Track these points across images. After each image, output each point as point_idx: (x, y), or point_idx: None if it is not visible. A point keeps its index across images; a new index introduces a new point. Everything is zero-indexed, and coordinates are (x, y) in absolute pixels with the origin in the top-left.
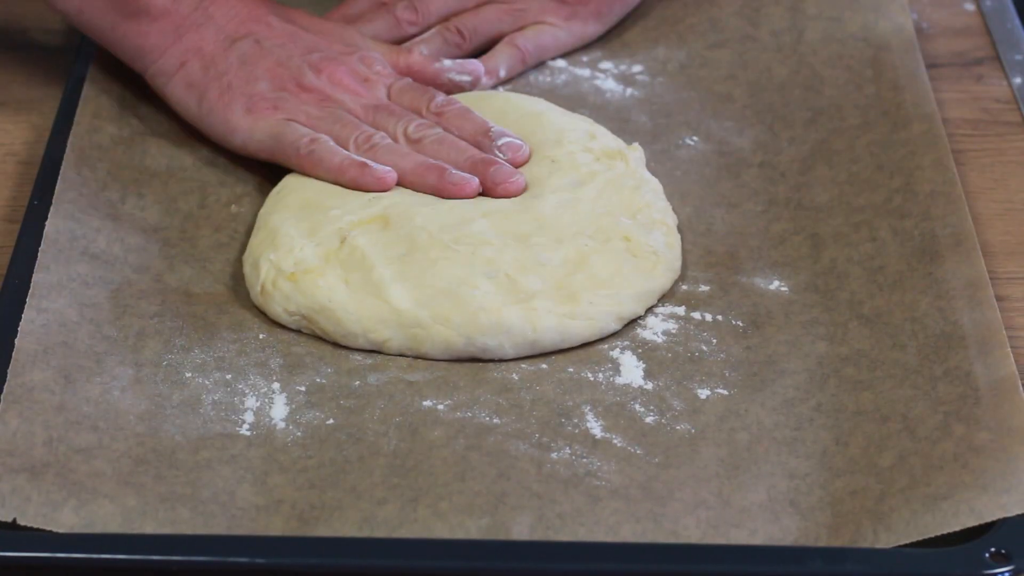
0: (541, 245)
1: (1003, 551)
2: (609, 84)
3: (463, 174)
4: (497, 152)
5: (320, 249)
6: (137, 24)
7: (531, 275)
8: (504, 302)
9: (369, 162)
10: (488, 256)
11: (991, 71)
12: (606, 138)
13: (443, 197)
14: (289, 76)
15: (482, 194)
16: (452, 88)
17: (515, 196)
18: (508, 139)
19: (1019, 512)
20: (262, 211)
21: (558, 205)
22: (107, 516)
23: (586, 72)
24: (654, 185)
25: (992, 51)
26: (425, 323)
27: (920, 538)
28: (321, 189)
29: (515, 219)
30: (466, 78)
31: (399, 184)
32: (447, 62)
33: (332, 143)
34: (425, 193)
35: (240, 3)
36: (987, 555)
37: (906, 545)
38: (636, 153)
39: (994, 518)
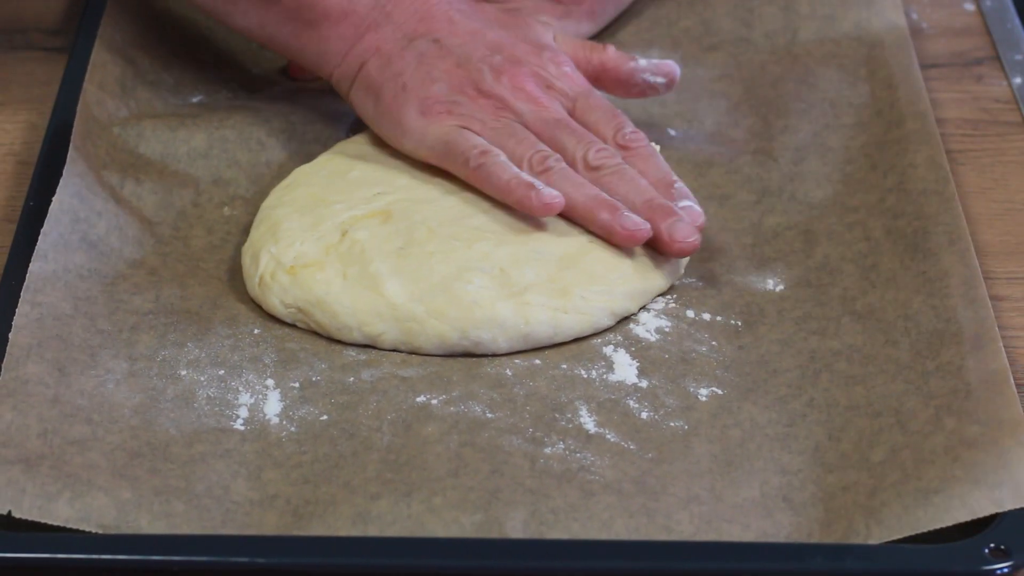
0: (540, 239)
1: (1003, 547)
2: None
3: (636, 219)
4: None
5: (321, 243)
6: (317, 30)
7: (525, 269)
8: (498, 296)
9: (537, 183)
10: (484, 250)
11: (991, 71)
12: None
13: (612, 241)
14: (468, 79)
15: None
16: (646, 90)
17: (680, 254)
18: (690, 203)
19: (1015, 506)
20: (265, 203)
21: None
22: (102, 508)
23: None
24: None
25: (992, 51)
26: (419, 317)
27: (912, 533)
28: (327, 184)
29: (517, 213)
30: (661, 80)
31: (567, 216)
32: (642, 61)
33: (503, 158)
34: (594, 231)
35: (420, 0)
36: (987, 551)
37: (902, 540)
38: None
39: (986, 513)
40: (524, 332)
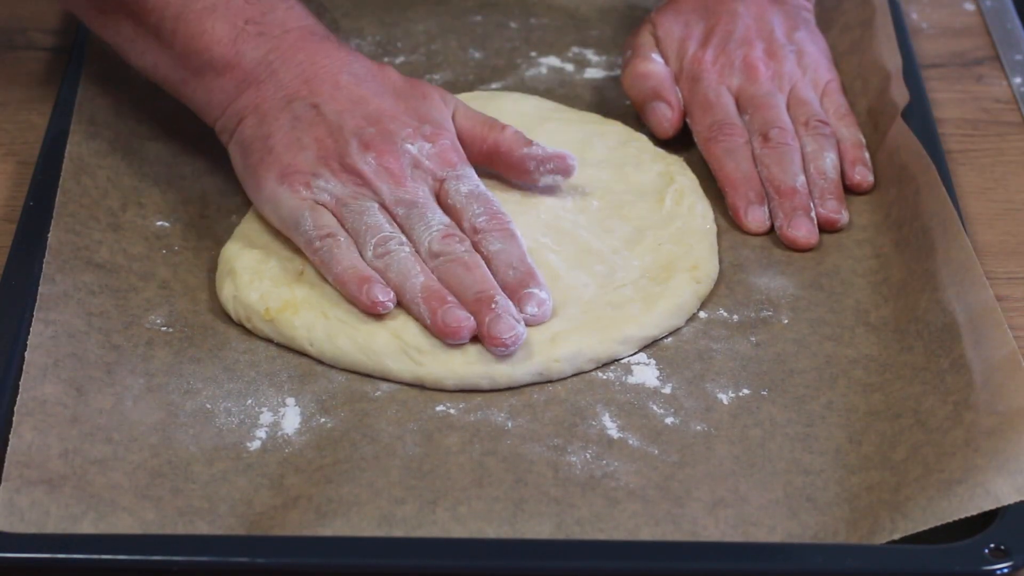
0: (564, 282)
1: (1003, 547)
2: (603, 83)
3: (460, 314)
4: (524, 299)
5: (281, 282)
6: (203, 80)
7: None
8: (517, 357)
9: (373, 278)
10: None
11: (991, 71)
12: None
13: (433, 333)
14: (334, 150)
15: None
16: (538, 179)
17: (502, 351)
18: (536, 291)
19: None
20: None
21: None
22: (126, 530)
23: (580, 70)
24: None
25: (992, 51)
26: (417, 378)
27: (939, 523)
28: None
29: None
30: (555, 177)
31: (399, 303)
32: (537, 149)
33: (344, 244)
34: (419, 321)
35: (309, 59)
36: (987, 551)
37: (910, 538)
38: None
39: (1011, 500)
40: (541, 381)
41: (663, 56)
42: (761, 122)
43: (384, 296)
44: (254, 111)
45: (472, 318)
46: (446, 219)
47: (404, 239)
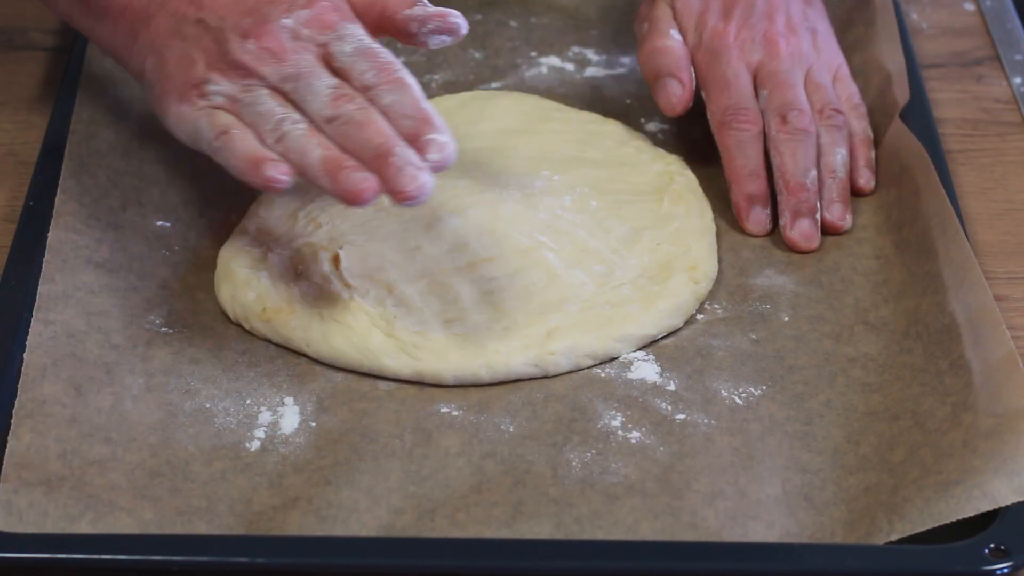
0: (563, 279)
1: (1003, 547)
2: (603, 82)
3: (358, 177)
4: (424, 146)
5: (278, 283)
6: (106, 25)
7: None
8: (512, 350)
9: (266, 157)
10: (488, 289)
11: (991, 71)
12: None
13: (339, 201)
14: (219, 52)
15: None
16: (427, 41)
17: (410, 203)
18: (438, 137)
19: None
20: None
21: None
22: (124, 530)
23: (580, 70)
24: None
25: (992, 51)
26: (423, 371)
27: (935, 525)
28: (269, 216)
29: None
30: (443, 37)
31: (306, 178)
32: (420, 10)
33: (238, 136)
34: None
35: None
36: (986, 551)
37: (912, 538)
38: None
39: (1008, 502)
40: (539, 377)
41: (680, 29)
42: (780, 102)
43: (277, 171)
44: (151, 49)
45: (372, 177)
46: (333, 81)
47: (299, 116)
